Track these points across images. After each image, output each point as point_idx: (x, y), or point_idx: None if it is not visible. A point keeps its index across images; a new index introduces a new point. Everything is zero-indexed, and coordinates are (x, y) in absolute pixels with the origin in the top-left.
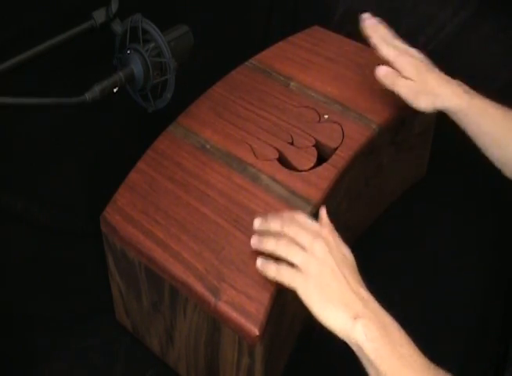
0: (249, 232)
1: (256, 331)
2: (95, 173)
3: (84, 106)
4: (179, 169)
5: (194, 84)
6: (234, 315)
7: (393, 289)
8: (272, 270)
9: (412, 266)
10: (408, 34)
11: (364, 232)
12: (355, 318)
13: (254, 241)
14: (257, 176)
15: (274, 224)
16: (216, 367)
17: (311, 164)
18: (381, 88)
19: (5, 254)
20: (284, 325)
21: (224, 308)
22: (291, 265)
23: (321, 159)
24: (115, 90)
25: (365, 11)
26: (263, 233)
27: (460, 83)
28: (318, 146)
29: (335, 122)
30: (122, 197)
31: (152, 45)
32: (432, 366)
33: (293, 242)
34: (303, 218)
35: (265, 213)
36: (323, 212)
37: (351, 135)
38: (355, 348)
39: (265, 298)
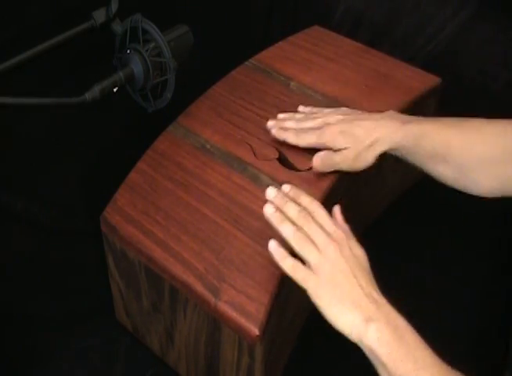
0: (249, 232)
1: (256, 331)
2: (95, 173)
3: (84, 106)
4: (179, 169)
5: (194, 84)
6: (234, 315)
7: (392, 289)
8: (288, 265)
9: (412, 266)
10: (408, 34)
11: (364, 232)
12: (368, 321)
13: (269, 215)
14: (257, 176)
15: (291, 209)
16: (216, 367)
17: (311, 164)
18: (381, 87)
19: (5, 254)
20: (284, 325)
21: (224, 308)
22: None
23: None
24: (115, 90)
25: (365, 11)
26: (279, 205)
27: (392, 114)
28: None
29: None
30: (122, 197)
31: (152, 45)
32: (449, 369)
33: (309, 239)
34: (322, 214)
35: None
36: (338, 212)
37: None
38: (366, 352)
39: (265, 298)
